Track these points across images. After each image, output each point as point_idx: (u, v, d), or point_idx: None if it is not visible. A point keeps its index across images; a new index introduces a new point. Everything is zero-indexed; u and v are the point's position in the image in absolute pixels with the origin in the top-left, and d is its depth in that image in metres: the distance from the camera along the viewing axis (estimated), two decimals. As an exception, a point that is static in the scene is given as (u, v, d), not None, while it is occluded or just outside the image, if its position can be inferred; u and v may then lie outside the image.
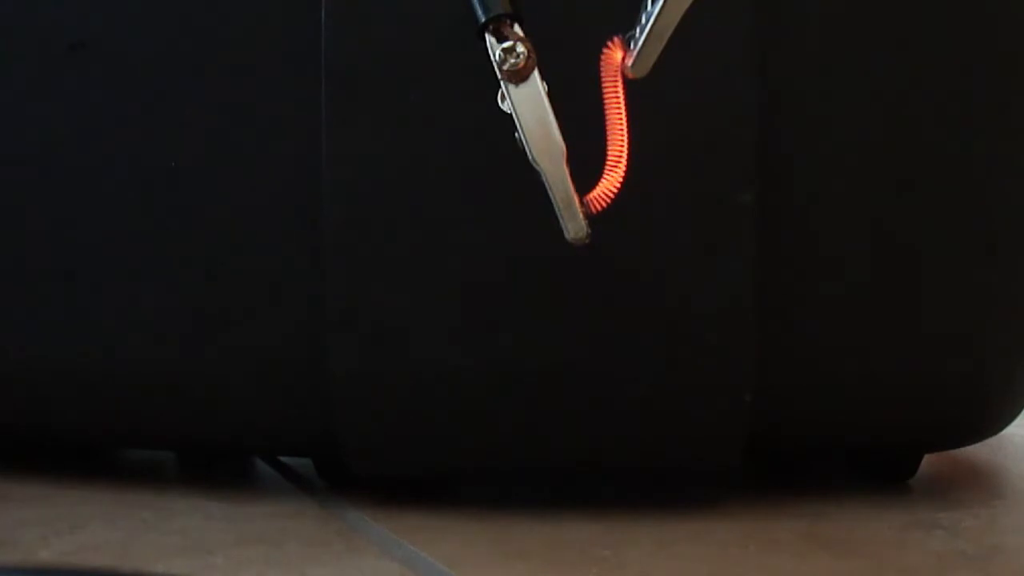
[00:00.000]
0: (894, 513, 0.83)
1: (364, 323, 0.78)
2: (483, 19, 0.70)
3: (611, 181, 0.69)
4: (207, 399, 0.82)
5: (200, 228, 0.80)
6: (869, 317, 0.82)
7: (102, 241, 0.81)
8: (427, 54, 0.76)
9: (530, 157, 0.70)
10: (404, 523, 0.78)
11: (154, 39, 0.80)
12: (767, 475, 0.91)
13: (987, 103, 0.82)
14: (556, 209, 0.70)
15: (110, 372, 0.83)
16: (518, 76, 0.69)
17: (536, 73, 0.69)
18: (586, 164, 0.70)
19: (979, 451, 0.99)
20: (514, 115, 0.70)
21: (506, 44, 0.69)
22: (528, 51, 0.69)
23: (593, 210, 0.70)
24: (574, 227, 0.70)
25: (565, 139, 0.69)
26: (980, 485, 0.94)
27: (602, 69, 0.70)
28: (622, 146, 0.69)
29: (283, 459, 0.93)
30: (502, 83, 0.70)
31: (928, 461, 0.90)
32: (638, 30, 0.68)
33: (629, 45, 0.69)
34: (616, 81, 0.69)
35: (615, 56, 0.69)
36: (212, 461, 0.93)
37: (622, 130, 0.69)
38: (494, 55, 0.69)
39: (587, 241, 0.70)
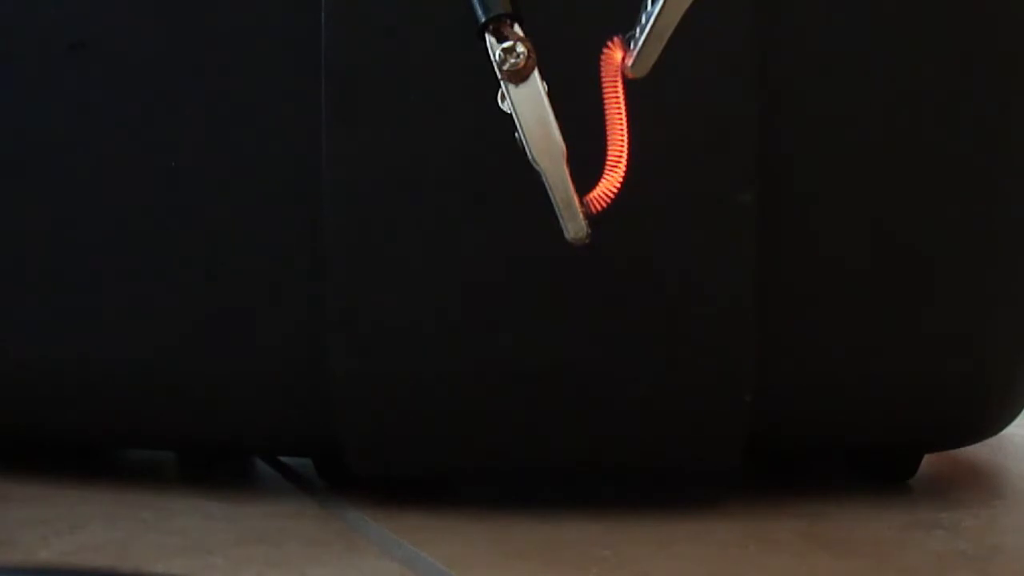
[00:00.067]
0: (894, 513, 0.83)
1: (364, 323, 0.78)
2: (483, 19, 0.70)
3: (611, 181, 0.69)
4: (207, 399, 0.82)
5: (200, 228, 0.80)
6: (869, 317, 0.82)
7: (102, 241, 0.81)
8: (427, 54, 0.76)
9: (530, 157, 0.70)
10: (404, 523, 0.78)
11: (154, 39, 0.80)
12: (767, 475, 0.91)
13: (987, 103, 0.82)
14: (556, 209, 0.70)
15: (110, 372, 0.83)
16: (518, 76, 0.69)
17: (536, 73, 0.69)
18: (586, 164, 0.70)
19: (979, 451, 0.99)
20: (514, 115, 0.70)
21: (506, 44, 0.69)
22: (528, 51, 0.69)
23: (593, 210, 0.70)
24: (574, 227, 0.70)
25: (565, 139, 0.69)
26: (980, 485, 0.94)
27: (602, 69, 0.70)
28: (622, 146, 0.69)
29: (283, 459, 0.93)
30: (502, 83, 0.70)
31: (928, 461, 0.90)
32: (638, 30, 0.68)
33: (629, 45, 0.69)
34: (616, 81, 0.69)
35: (615, 56, 0.69)
36: (212, 461, 0.93)
37: (622, 130, 0.69)
38: (494, 55, 0.69)
39: (587, 241, 0.70)
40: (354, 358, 0.79)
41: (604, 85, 0.70)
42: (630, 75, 0.69)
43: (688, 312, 0.78)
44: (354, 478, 0.82)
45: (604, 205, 0.70)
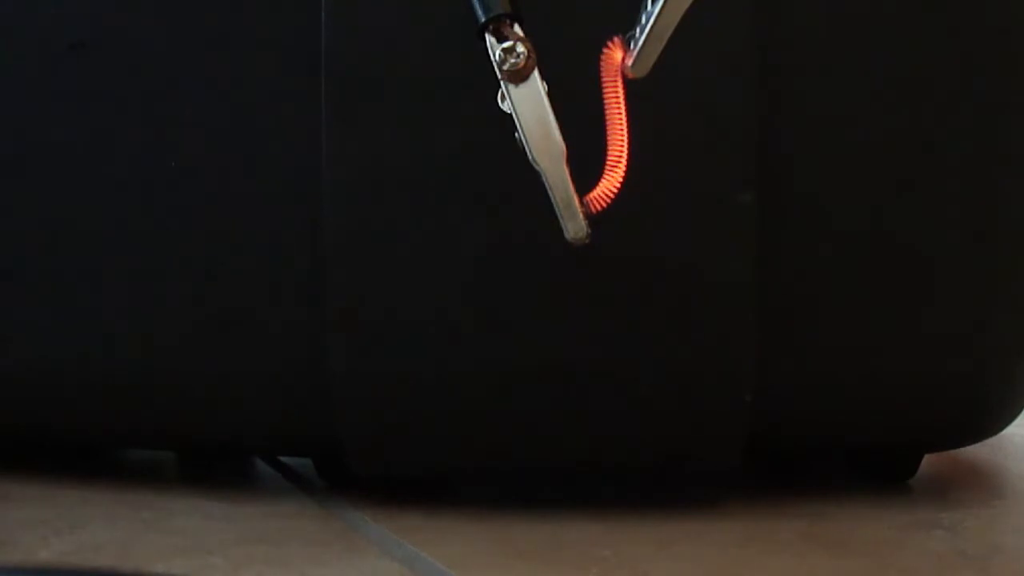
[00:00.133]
0: (894, 513, 0.83)
1: (364, 323, 0.78)
2: (483, 19, 0.70)
3: (611, 181, 0.69)
4: (207, 399, 0.82)
5: (200, 228, 0.80)
6: (869, 317, 0.82)
7: (102, 241, 0.81)
8: (427, 54, 0.76)
9: (530, 157, 0.70)
10: (404, 523, 0.78)
11: (154, 39, 0.80)
12: (767, 475, 0.91)
13: (987, 103, 0.82)
14: (556, 209, 0.70)
15: (110, 372, 0.83)
16: (518, 76, 0.69)
17: (536, 73, 0.69)
18: (586, 164, 0.70)
19: (979, 451, 0.99)
20: (514, 115, 0.70)
21: (506, 44, 0.69)
22: (528, 51, 0.69)
23: (593, 210, 0.70)
24: (574, 227, 0.70)
25: (565, 139, 0.69)
26: (980, 485, 0.94)
27: (602, 69, 0.70)
28: (622, 146, 0.69)
29: (283, 459, 0.93)
30: (502, 83, 0.70)
31: (928, 461, 0.90)
32: (638, 30, 0.68)
33: (629, 45, 0.69)
34: (616, 81, 0.69)
35: (615, 56, 0.69)
36: (212, 461, 0.93)
37: (622, 130, 0.69)
38: (494, 55, 0.69)
39: (587, 241, 0.70)
40: (354, 358, 0.79)
41: (604, 85, 0.70)
42: (630, 75, 0.69)
43: (688, 312, 0.78)
44: (354, 478, 0.82)
45: (604, 205, 0.70)
